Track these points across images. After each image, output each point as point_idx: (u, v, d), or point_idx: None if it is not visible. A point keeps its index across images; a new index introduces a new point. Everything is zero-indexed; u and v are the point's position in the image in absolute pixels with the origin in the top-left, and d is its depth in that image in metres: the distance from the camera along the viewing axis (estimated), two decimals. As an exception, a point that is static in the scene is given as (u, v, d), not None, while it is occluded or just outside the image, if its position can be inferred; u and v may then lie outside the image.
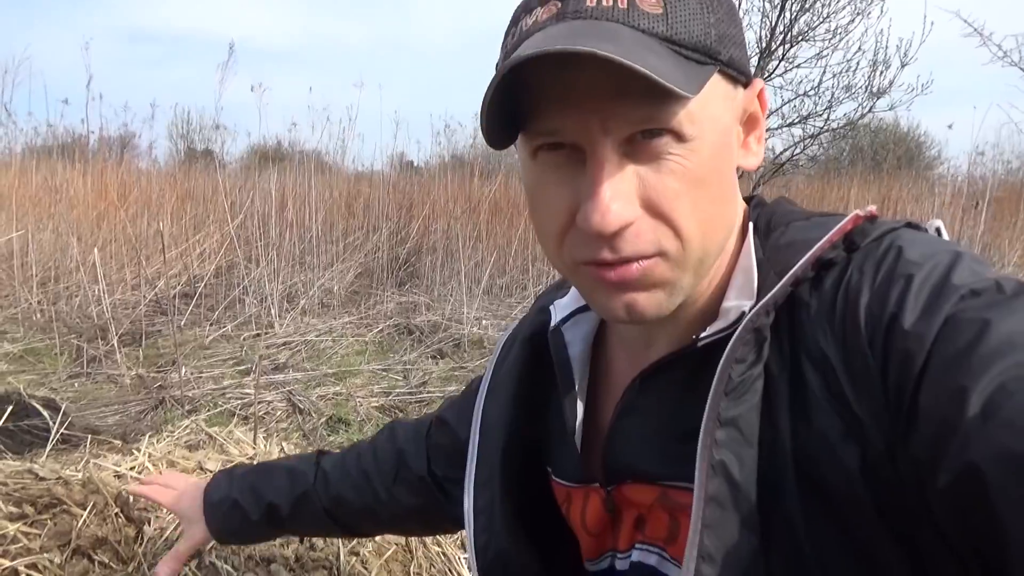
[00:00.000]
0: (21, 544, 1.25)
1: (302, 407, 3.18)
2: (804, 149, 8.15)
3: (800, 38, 7.13)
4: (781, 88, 7.48)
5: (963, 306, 0.49)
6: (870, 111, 7.25)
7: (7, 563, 1.19)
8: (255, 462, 1.84)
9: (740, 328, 0.55)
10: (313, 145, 7.61)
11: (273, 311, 4.92)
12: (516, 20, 0.58)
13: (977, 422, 0.44)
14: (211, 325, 4.69)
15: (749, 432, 0.55)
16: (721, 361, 0.55)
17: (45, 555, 1.26)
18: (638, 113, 0.52)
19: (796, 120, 7.73)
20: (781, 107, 7.74)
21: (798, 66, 7.33)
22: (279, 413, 3.17)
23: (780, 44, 7.19)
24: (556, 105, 0.53)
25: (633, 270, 0.55)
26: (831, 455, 0.52)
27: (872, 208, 0.60)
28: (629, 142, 0.53)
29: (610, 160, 0.53)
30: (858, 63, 7.02)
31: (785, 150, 8.11)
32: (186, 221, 6.38)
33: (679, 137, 0.53)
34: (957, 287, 0.50)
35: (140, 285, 5.13)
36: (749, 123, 0.61)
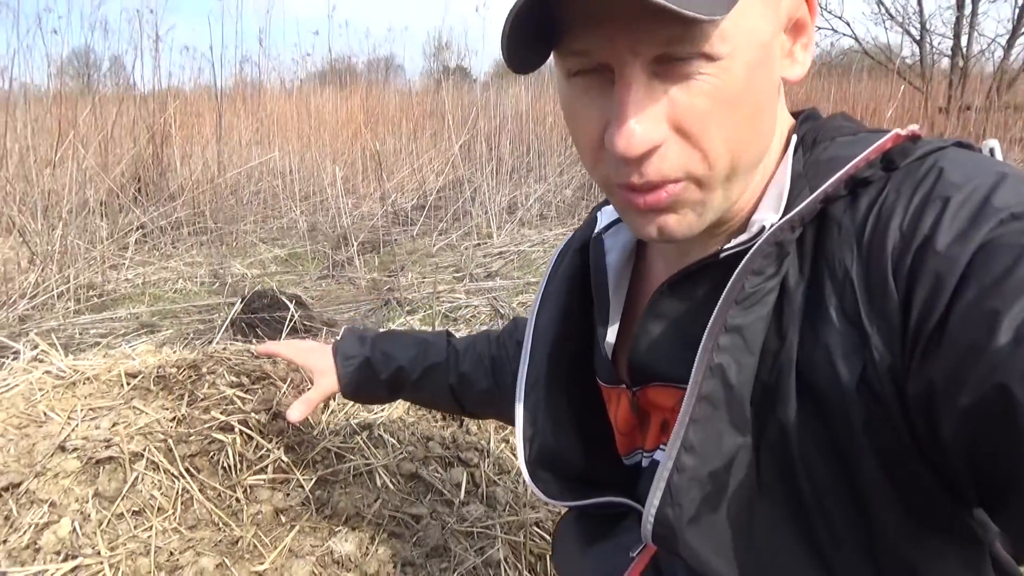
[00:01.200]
0: (236, 405, 1.58)
1: (503, 312, 3.43)
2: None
3: None
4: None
5: (1002, 230, 0.47)
6: None
7: (224, 418, 1.53)
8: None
9: (760, 241, 0.57)
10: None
11: (492, 223, 5.25)
12: None
13: (1008, 346, 0.44)
14: (439, 235, 5.13)
15: (752, 341, 0.57)
16: (736, 271, 0.57)
17: (254, 415, 1.58)
18: (666, 33, 0.51)
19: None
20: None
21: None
22: (483, 317, 3.46)
23: None
24: (585, 23, 0.53)
25: (662, 196, 0.57)
26: (831, 368, 0.53)
27: (914, 127, 0.58)
28: (659, 62, 0.53)
29: (638, 80, 0.53)
30: None
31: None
32: (424, 139, 6.92)
33: (709, 57, 0.52)
34: (997, 209, 0.48)
35: (383, 198, 5.72)
36: (795, 30, 0.59)
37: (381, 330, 1.22)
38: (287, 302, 3.14)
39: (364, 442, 1.63)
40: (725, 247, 0.60)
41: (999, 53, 7.08)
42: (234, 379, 1.67)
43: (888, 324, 0.50)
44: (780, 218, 0.57)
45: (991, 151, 0.57)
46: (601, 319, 0.75)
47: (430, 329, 2.59)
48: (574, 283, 0.81)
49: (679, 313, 0.66)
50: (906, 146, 0.56)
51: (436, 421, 1.79)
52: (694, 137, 0.54)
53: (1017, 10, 6.72)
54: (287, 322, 2.68)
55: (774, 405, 0.56)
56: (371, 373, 1.13)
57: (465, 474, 1.63)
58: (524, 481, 0.83)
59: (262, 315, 3.15)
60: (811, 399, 0.54)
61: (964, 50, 7.04)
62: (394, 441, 1.66)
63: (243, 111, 6.31)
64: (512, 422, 1.30)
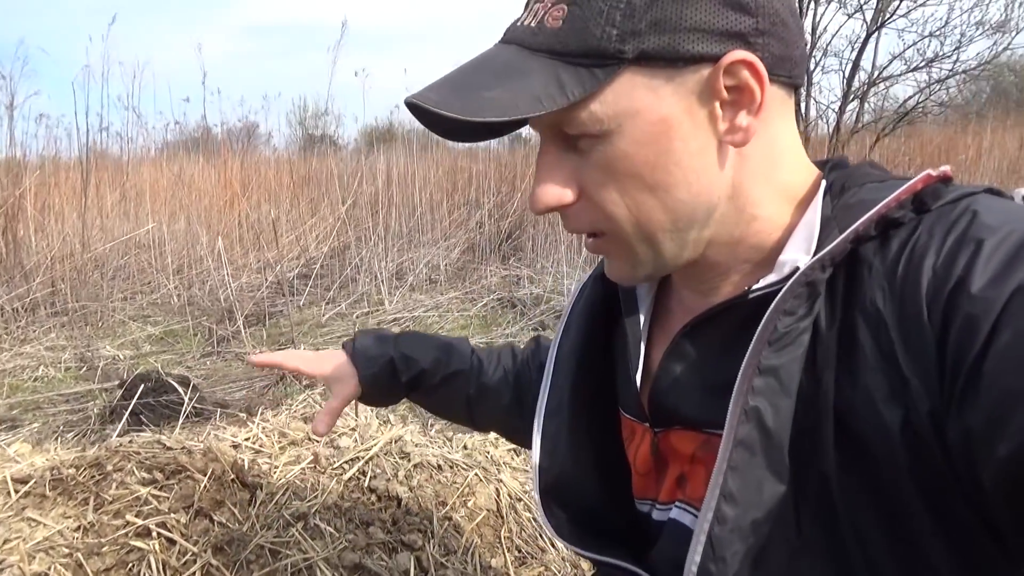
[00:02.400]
0: (152, 506, 1.41)
1: (409, 380, 3.33)
2: (931, 95, 7.59)
3: (924, -27, 6.62)
4: (904, 30, 6.99)
5: None
6: (1007, 48, 6.66)
7: (140, 522, 1.35)
8: (357, 432, 1.97)
9: (792, 281, 0.56)
10: (417, 125, 7.77)
11: (383, 289, 5.14)
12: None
13: None
14: (327, 304, 4.95)
15: (788, 383, 0.55)
16: (768, 311, 0.56)
17: (172, 515, 1.41)
18: (544, 120, 0.59)
19: (922, 64, 7.20)
20: (904, 51, 7.23)
21: (922, 5, 6.81)
22: (388, 386, 3.34)
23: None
24: None
25: (591, 246, 0.65)
26: (874, 413, 0.52)
27: (946, 168, 0.58)
28: (565, 138, 0.60)
29: (546, 152, 0.61)
30: (992, -5, 6.43)
31: (910, 97, 7.58)
32: (302, 206, 6.74)
33: (593, 135, 0.57)
34: None
35: (263, 268, 5.48)
36: (735, 97, 0.58)
37: (395, 330, 1.13)
38: (175, 384, 2.89)
39: (300, 534, 1.49)
40: (754, 288, 0.60)
41: (834, 117, 7.87)
42: (146, 475, 1.50)
43: (924, 366, 0.50)
44: (811, 258, 0.57)
45: (1023, 198, 0.59)
46: (634, 352, 0.73)
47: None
48: (596, 310, 0.80)
49: (702, 354, 0.65)
50: (938, 188, 0.57)
51: (373, 504, 1.67)
52: (595, 202, 0.61)
53: (844, 81, 7.52)
54: (184, 406, 2.45)
55: (813, 452, 0.55)
56: (393, 374, 1.03)
57: (412, 559, 1.53)
58: (535, 511, 0.78)
59: (146, 400, 2.88)
60: (853, 445, 0.53)
61: (804, 115, 7.78)
62: (331, 530, 1.54)
63: (108, 181, 5.91)
64: (520, 442, 1.24)
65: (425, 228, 6.50)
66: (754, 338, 0.56)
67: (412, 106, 0.58)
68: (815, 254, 0.57)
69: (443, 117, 0.55)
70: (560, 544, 0.79)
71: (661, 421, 0.69)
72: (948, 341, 0.49)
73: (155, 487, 1.46)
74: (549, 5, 0.57)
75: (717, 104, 0.58)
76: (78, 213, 5.25)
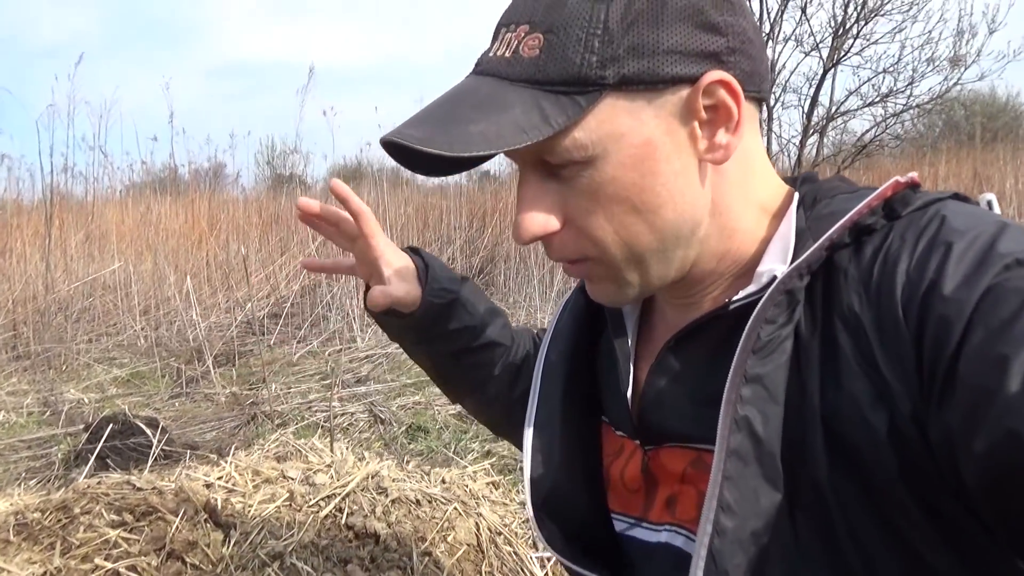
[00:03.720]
0: (122, 548, 1.37)
1: (383, 417, 3.29)
2: (887, 129, 7.82)
3: (875, 13, 6.86)
4: (859, 67, 7.22)
5: (1008, 275, 0.48)
6: (956, 83, 6.90)
7: (110, 565, 1.31)
8: (333, 468, 1.94)
9: (771, 289, 0.57)
10: (386, 163, 7.81)
11: (355, 326, 5.10)
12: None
13: (1019, 390, 0.44)
14: (298, 343, 4.89)
15: (775, 390, 0.56)
16: (750, 320, 0.56)
17: (143, 558, 1.37)
18: (525, 150, 0.57)
19: (877, 99, 7.43)
20: (860, 87, 7.46)
21: (876, 42, 7.05)
22: (362, 424, 3.29)
23: (855, 22, 6.94)
24: None
25: (571, 270, 0.64)
26: (860, 418, 0.52)
27: (913, 175, 0.60)
28: (546, 166, 0.59)
29: (530, 181, 0.61)
30: (940, 33, 6.68)
31: (867, 131, 7.80)
32: (271, 245, 6.69)
33: (577, 162, 0.57)
34: (1002, 255, 0.49)
35: (232, 308, 5.41)
36: (713, 117, 0.59)
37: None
38: (143, 426, 2.82)
39: (276, 574, 1.46)
40: (734, 299, 0.61)
41: (795, 151, 8.07)
42: (115, 517, 1.45)
43: (904, 369, 0.51)
44: (788, 268, 0.58)
45: (988, 204, 0.61)
46: (624, 368, 0.73)
47: (304, 441, 2.41)
48: (582, 322, 0.80)
49: (688, 368, 0.66)
50: (907, 194, 0.58)
51: (351, 541, 1.64)
52: (581, 228, 0.60)
53: (804, 116, 7.73)
54: (152, 448, 2.39)
55: (804, 459, 0.55)
56: (448, 316, 0.91)
57: (392, 596, 1.49)
58: (530, 525, 0.76)
59: (113, 443, 2.80)
60: (842, 450, 0.54)
61: (767, 150, 7.96)
62: (308, 569, 1.50)
63: (72, 222, 5.81)
64: (508, 438, 1.15)
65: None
66: (738, 348, 0.56)
67: (391, 145, 0.57)
68: (792, 263, 0.58)
69: (427, 155, 0.55)
70: (551, 557, 0.78)
71: (651, 438, 0.69)
72: (924, 343, 0.50)
73: (125, 529, 1.41)
74: (522, 35, 0.57)
75: (696, 124, 0.59)
76: (41, 255, 5.15)
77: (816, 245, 0.57)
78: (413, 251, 0.93)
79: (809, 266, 0.57)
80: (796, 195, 0.65)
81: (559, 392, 0.78)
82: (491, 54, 0.59)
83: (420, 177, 8.60)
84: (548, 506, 0.76)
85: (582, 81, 0.56)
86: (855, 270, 0.56)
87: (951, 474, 0.49)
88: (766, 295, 0.57)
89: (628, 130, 0.57)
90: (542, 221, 0.61)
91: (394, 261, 0.88)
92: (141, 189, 7.35)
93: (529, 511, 0.77)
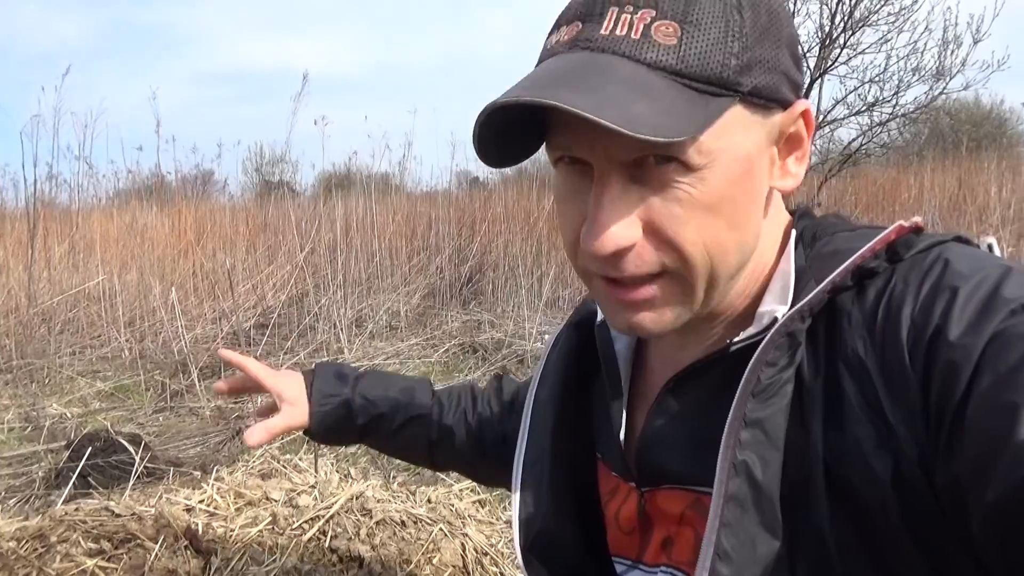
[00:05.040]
0: (99, 578, 1.34)
1: (370, 431, 3.27)
2: (873, 138, 7.86)
3: (862, 23, 6.90)
4: (846, 76, 7.25)
5: (1013, 321, 0.48)
6: (942, 93, 6.95)
7: (86, 597, 1.28)
8: (316, 489, 1.91)
9: (772, 332, 0.56)
10: (375, 171, 7.79)
11: (343, 337, 5.07)
12: (551, 30, 0.59)
13: None
14: (285, 353, 4.85)
15: (775, 435, 0.55)
16: (751, 363, 0.55)
17: (121, 588, 1.34)
18: (622, 146, 0.52)
19: (863, 108, 7.47)
20: (846, 96, 7.50)
21: (862, 52, 7.10)
22: (348, 438, 3.26)
23: (841, 32, 6.98)
24: (566, 124, 0.55)
25: (642, 293, 0.58)
26: (864, 464, 0.51)
27: (918, 219, 0.59)
28: (638, 165, 0.54)
29: (613, 184, 0.54)
30: (926, 44, 6.73)
31: (853, 139, 7.84)
32: (259, 253, 6.65)
33: (687, 166, 0.53)
34: (1008, 300, 0.49)
35: (218, 319, 5.36)
36: (789, 144, 0.60)
37: (356, 366, 1.10)
38: (125, 443, 2.78)
39: (256, 601, 1.43)
40: (735, 340, 0.60)
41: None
42: (92, 545, 1.42)
43: (910, 414, 0.50)
44: (789, 309, 0.57)
45: (989, 247, 0.60)
46: (616, 410, 0.72)
47: (291, 458, 2.39)
48: (572, 360, 0.79)
49: (688, 409, 0.64)
50: (910, 238, 0.58)
51: (335, 565, 1.61)
52: (668, 240, 0.55)
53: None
54: (135, 466, 2.35)
55: (806, 505, 0.54)
56: (348, 416, 1.01)
57: (376, 623, 1.47)
58: (518, 565, 0.76)
59: (95, 461, 2.76)
60: (844, 496, 0.53)
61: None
62: (290, 595, 1.48)
63: (57, 232, 5.76)
64: (481, 481, 1.22)
65: (384, 274, 6.46)
66: (738, 391, 0.55)
67: (499, 110, 0.51)
68: (792, 304, 0.57)
69: (593, 127, 0.48)
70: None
71: (649, 480, 0.68)
72: (931, 388, 0.49)
73: (103, 558, 1.39)
74: (648, 19, 0.53)
75: (776, 150, 0.59)
76: (24, 265, 5.10)
77: (819, 288, 0.56)
78: (314, 369, 1.04)
79: (812, 308, 0.56)
80: (793, 231, 0.64)
81: (549, 431, 0.77)
82: (606, 32, 0.53)
83: (409, 185, 8.61)
84: (537, 547, 0.75)
85: (721, 83, 0.53)
86: (859, 313, 0.55)
87: (958, 521, 0.48)
88: (767, 337, 0.56)
89: (741, 143, 0.56)
90: (629, 230, 0.55)
91: (286, 391, 0.99)
92: (127, 198, 7.30)
93: (517, 554, 0.76)
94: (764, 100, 0.56)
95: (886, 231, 0.57)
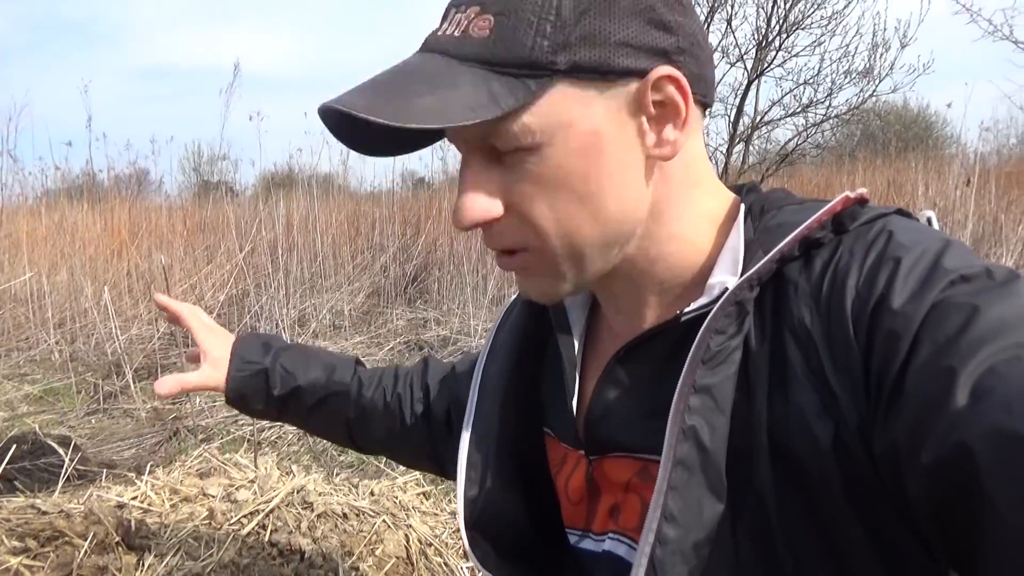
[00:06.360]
0: (23, 577, 1.29)
1: (313, 429, 3.22)
2: (808, 138, 8.10)
3: (796, 26, 7.11)
4: (782, 78, 7.46)
5: (953, 291, 0.49)
6: (872, 95, 7.21)
7: (9, 596, 1.23)
8: (256, 484, 1.88)
9: (722, 300, 0.57)
10: (318, 170, 7.66)
11: (285, 336, 4.98)
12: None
13: (967, 403, 0.44)
14: (225, 354, 4.74)
15: (723, 401, 0.56)
16: (701, 331, 0.56)
17: (47, 587, 1.29)
18: (472, 132, 0.57)
19: (798, 109, 7.69)
20: (782, 97, 7.72)
21: (796, 55, 7.31)
22: (291, 436, 3.21)
23: (777, 34, 7.18)
24: None
25: (506, 263, 0.63)
26: (805, 430, 0.53)
27: (863, 191, 0.60)
28: (491, 151, 0.58)
29: (472, 165, 0.60)
30: (856, 47, 6.98)
31: (789, 140, 8.06)
32: (197, 253, 6.48)
33: (526, 147, 0.56)
34: (948, 271, 0.50)
35: (155, 320, 5.21)
36: (662, 112, 0.59)
37: (289, 340, 1.08)
38: (55, 446, 2.68)
39: (193, 595, 1.40)
40: (685, 311, 0.60)
41: (722, 159, 8.29)
42: (17, 543, 1.37)
43: (852, 382, 0.51)
44: (739, 279, 0.58)
45: (928, 220, 0.62)
46: (569, 378, 0.72)
47: (231, 457, 2.33)
48: (524, 333, 0.79)
49: (637, 379, 0.65)
50: (855, 210, 0.59)
51: (274, 559, 1.59)
52: (524, 215, 0.59)
53: (730, 125, 7.95)
54: (62, 469, 2.27)
55: (748, 471, 0.55)
56: (265, 386, 1.01)
57: (317, 614, 1.45)
58: (463, 544, 0.75)
59: (22, 464, 2.65)
60: (786, 463, 0.54)
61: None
62: (229, 589, 1.44)
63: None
64: (406, 464, 1.20)
65: (328, 273, 6.37)
66: (688, 357, 0.56)
67: (329, 112, 0.55)
68: (742, 274, 0.58)
69: (371, 125, 0.53)
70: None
71: (597, 448, 0.68)
72: (873, 356, 0.50)
73: (28, 556, 1.33)
74: (472, 16, 0.57)
75: (644, 119, 0.59)
76: (-56, 266, 4.86)
77: (767, 258, 0.57)
78: (244, 336, 1.04)
79: (760, 278, 0.57)
80: (742, 205, 0.65)
81: (496, 408, 0.77)
82: (440, 33, 0.58)
83: (353, 183, 8.51)
84: (481, 523, 0.75)
85: (533, 65, 0.55)
86: (805, 283, 0.56)
87: (895, 488, 0.50)
88: (717, 306, 0.57)
89: (577, 118, 0.57)
90: (484, 205, 0.59)
91: (212, 350, 1.00)
92: (56, 196, 7.02)
93: (462, 528, 0.75)
94: (596, 74, 0.56)
95: (832, 202, 0.59)
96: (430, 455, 0.99)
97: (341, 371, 1.03)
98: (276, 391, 1.00)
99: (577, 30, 0.55)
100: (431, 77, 0.56)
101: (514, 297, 0.85)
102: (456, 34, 0.57)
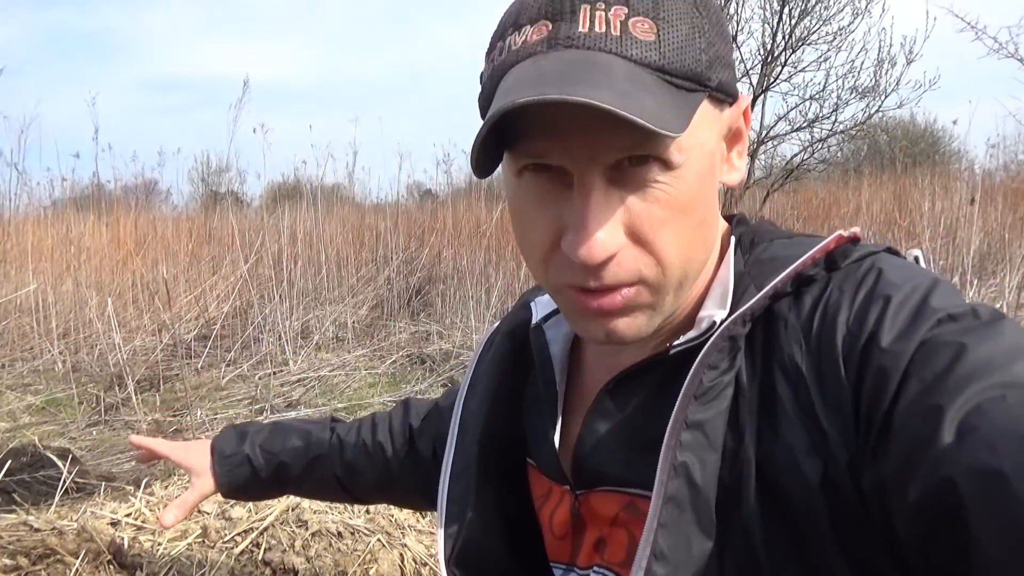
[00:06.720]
0: (13, 596, 1.28)
1: (312, 443, 3.21)
2: (814, 153, 8.09)
3: (802, 42, 7.12)
4: (787, 94, 7.46)
5: (940, 330, 0.50)
6: (878, 111, 7.20)
7: (-2, 615, 1.23)
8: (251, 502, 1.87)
9: (715, 335, 0.56)
10: (323, 181, 7.69)
11: (288, 348, 4.98)
12: (503, 32, 0.56)
13: (953, 440, 0.44)
14: (227, 366, 4.75)
15: (714, 437, 0.55)
16: (694, 365, 0.56)
17: (37, 605, 1.29)
18: (625, 142, 0.51)
19: (804, 125, 7.69)
20: (788, 112, 7.71)
21: (802, 70, 7.31)
22: (290, 450, 3.20)
23: (783, 50, 7.18)
24: (543, 130, 0.53)
25: (616, 300, 0.56)
26: (794, 467, 0.52)
27: (856, 230, 0.61)
28: (615, 168, 0.53)
29: (597, 188, 0.53)
30: (862, 63, 6.98)
31: (795, 155, 8.05)
32: (203, 264, 6.50)
33: (666, 165, 0.53)
34: (935, 310, 0.51)
35: (158, 331, 5.22)
36: (733, 139, 0.61)
37: (264, 420, 1.12)
38: (54, 458, 2.68)
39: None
40: (675, 344, 0.60)
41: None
42: (8, 561, 1.36)
43: (842, 419, 0.51)
44: (729, 314, 0.58)
45: (916, 259, 0.62)
46: (550, 412, 0.71)
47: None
48: (504, 367, 0.77)
49: (626, 412, 0.64)
50: (847, 248, 0.59)
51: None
52: (648, 243, 0.54)
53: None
54: (60, 482, 2.27)
55: (737, 507, 0.55)
56: (251, 472, 1.06)
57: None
58: None
59: (21, 476, 2.65)
60: (775, 500, 0.54)
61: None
62: (220, 609, 1.44)
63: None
64: (410, 507, 1.23)
65: (332, 285, 6.38)
66: (681, 392, 0.56)
67: (534, 106, 0.48)
68: (733, 309, 0.58)
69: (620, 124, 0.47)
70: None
71: (584, 483, 0.67)
72: (862, 393, 0.50)
73: (19, 574, 1.33)
74: (622, 16, 0.51)
75: (724, 144, 0.60)
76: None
77: (761, 294, 0.57)
78: (220, 433, 1.10)
79: (753, 313, 0.57)
80: (732, 237, 0.65)
81: (476, 442, 0.76)
82: (583, 29, 0.51)
83: (359, 196, 8.52)
84: (463, 559, 0.74)
85: (696, 78, 0.53)
86: (795, 320, 0.56)
87: (883, 523, 0.49)
88: (711, 341, 0.56)
89: (707, 139, 0.56)
90: (616, 236, 0.53)
91: (195, 464, 1.06)
92: (63, 207, 7.06)
93: (441, 566, 0.75)
94: (724, 95, 0.57)
95: (826, 240, 0.59)
96: (423, 493, 1.00)
97: (318, 434, 1.07)
98: (263, 473, 1.05)
99: (717, 49, 0.55)
100: (631, 78, 0.50)
101: (491, 330, 0.84)
102: (614, 33, 0.51)
